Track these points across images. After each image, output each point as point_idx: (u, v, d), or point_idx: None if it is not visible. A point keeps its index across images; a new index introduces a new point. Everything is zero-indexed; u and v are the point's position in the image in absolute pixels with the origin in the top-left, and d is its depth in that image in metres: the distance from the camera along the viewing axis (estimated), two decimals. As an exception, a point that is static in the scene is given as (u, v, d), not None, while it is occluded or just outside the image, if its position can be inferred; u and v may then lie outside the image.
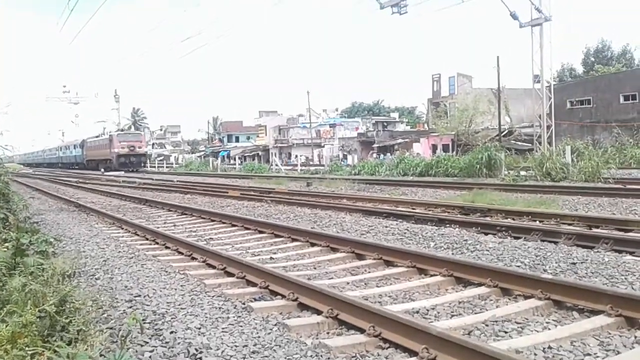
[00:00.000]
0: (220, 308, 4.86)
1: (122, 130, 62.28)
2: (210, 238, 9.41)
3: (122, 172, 46.92)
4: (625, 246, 7.07)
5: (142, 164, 55.56)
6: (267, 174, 34.12)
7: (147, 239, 9.34)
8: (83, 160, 64.99)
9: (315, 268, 6.81)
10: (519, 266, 6.27)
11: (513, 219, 9.89)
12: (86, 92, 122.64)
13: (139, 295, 5.33)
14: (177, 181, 28.22)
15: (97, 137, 63.25)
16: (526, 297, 4.97)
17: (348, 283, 5.94)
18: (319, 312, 4.72)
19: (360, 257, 7.18)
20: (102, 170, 53.43)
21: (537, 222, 9.50)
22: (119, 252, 7.98)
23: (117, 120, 71.90)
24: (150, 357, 3.72)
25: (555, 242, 7.61)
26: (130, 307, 4.95)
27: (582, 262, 6.18)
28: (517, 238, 8.13)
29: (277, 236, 9.07)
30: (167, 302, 5.06)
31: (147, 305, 4.99)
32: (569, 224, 9.05)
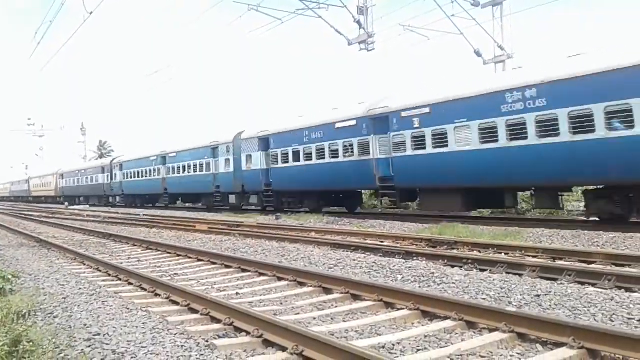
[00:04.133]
0: (182, 346, 4.73)
1: None
2: (175, 273, 9.23)
3: (87, 206, 45.78)
4: (588, 278, 7.20)
5: None
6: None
7: (109, 275, 9.11)
8: None
9: (281, 303, 6.72)
10: (484, 299, 6.30)
11: (479, 252, 9.99)
12: (51, 125, 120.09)
13: (99, 334, 5.15)
14: (144, 215, 27.76)
15: None
16: (491, 330, 4.98)
17: (315, 318, 5.87)
18: (284, 349, 4.64)
19: (327, 291, 7.13)
20: (66, 204, 51.99)
21: (503, 254, 9.61)
22: (80, 289, 7.74)
23: (83, 153, 70.62)
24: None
25: (520, 275, 7.71)
26: (89, 346, 4.78)
27: (546, 294, 6.25)
28: (483, 270, 8.21)
29: (244, 271, 8.96)
30: (128, 341, 4.90)
31: (107, 344, 4.83)
32: (534, 256, 9.18)
